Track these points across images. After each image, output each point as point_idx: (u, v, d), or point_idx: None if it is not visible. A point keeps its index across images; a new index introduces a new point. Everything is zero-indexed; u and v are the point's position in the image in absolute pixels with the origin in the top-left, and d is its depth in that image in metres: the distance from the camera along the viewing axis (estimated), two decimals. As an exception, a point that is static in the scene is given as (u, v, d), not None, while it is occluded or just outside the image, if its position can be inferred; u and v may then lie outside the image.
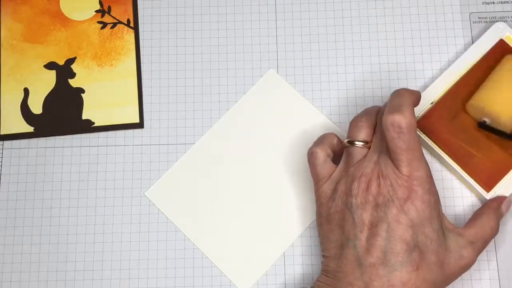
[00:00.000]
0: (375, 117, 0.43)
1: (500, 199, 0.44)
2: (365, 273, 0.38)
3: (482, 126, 0.46)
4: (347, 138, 0.43)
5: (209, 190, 0.48)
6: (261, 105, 0.49)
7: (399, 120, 0.38)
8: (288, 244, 0.46)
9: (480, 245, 0.41)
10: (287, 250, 0.46)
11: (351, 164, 0.41)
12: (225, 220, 0.47)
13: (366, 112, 0.44)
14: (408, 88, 0.45)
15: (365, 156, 0.42)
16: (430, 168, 0.47)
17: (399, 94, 0.41)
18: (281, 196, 0.47)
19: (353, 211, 0.39)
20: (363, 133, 0.42)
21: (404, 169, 0.39)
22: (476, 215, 0.43)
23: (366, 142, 0.42)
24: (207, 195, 0.48)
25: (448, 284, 0.40)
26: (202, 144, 0.49)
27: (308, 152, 0.44)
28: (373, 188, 0.39)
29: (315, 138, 0.46)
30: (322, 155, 0.43)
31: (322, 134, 0.46)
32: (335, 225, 0.40)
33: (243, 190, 0.48)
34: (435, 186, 0.40)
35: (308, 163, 0.44)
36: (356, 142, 0.42)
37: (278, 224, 0.47)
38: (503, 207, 0.44)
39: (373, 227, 0.38)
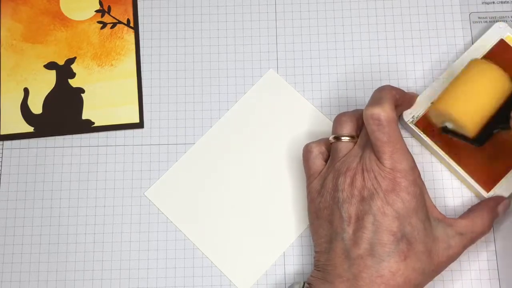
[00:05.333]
0: (359, 113, 0.44)
1: (498, 199, 0.44)
2: (354, 265, 0.38)
3: (445, 131, 0.46)
4: (332, 134, 0.44)
5: (209, 190, 0.48)
6: (261, 105, 0.49)
7: (378, 113, 0.39)
8: (288, 244, 0.46)
9: (469, 238, 0.41)
10: (287, 250, 0.46)
11: (338, 159, 0.42)
12: (225, 220, 0.47)
13: (350, 111, 0.45)
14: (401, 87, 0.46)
15: (350, 150, 0.42)
16: (431, 168, 0.47)
17: (380, 89, 0.42)
18: (281, 196, 0.47)
19: (340, 205, 0.40)
20: (346, 128, 0.43)
21: (387, 162, 0.39)
22: (471, 210, 0.44)
23: (351, 137, 0.43)
24: (207, 195, 0.48)
25: (437, 273, 0.41)
26: (202, 144, 0.49)
27: (303, 148, 0.45)
28: (358, 182, 0.40)
29: (315, 138, 0.46)
30: (315, 150, 0.44)
31: (322, 134, 0.46)
32: (324, 220, 0.41)
33: (243, 189, 0.48)
34: (420, 177, 0.41)
35: (302, 159, 0.45)
36: (341, 138, 0.43)
37: (278, 224, 0.47)
38: (500, 207, 0.44)
39: (360, 220, 0.39)
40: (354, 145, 0.43)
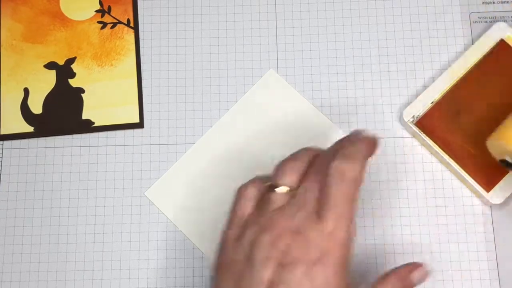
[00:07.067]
0: (307, 162, 0.38)
1: (412, 267, 0.38)
2: None
3: (505, 164, 0.42)
4: (270, 181, 0.38)
5: (209, 190, 0.48)
6: (261, 105, 0.49)
7: (349, 169, 0.35)
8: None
9: None
10: (287, 250, 0.46)
11: (267, 211, 0.36)
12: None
13: (298, 156, 0.39)
14: (368, 134, 0.39)
15: (284, 205, 0.36)
16: (431, 168, 0.47)
17: (355, 142, 0.38)
18: None
19: (254, 264, 0.34)
20: (289, 178, 0.37)
21: (329, 224, 0.34)
22: (379, 281, 0.38)
23: (290, 189, 0.37)
24: (207, 195, 0.48)
25: None
26: (202, 144, 0.49)
27: (238, 188, 0.39)
28: (282, 243, 0.34)
29: (315, 138, 0.46)
30: (249, 193, 0.38)
31: (321, 134, 0.45)
32: (231, 274, 0.36)
33: None
34: (351, 255, 0.35)
35: (233, 199, 0.39)
36: (278, 189, 0.37)
37: None
38: (415, 276, 0.37)
39: (273, 286, 0.34)
40: (291, 199, 0.37)
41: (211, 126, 0.49)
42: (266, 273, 0.34)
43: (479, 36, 0.49)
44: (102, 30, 0.52)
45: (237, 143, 0.49)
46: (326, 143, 0.48)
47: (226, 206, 0.48)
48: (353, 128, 0.48)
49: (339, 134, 0.48)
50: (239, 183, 0.47)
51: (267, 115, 0.49)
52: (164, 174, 0.48)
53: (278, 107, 0.49)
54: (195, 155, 0.49)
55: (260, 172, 0.47)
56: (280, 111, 0.49)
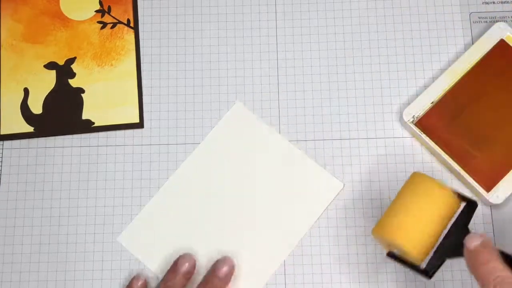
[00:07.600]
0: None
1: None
2: None
3: (392, 256, 0.41)
4: None
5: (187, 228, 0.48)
6: (229, 142, 0.48)
7: None
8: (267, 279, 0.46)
9: None
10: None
11: None
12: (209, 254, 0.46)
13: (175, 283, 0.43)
14: None
15: None
16: (431, 168, 0.47)
17: None
18: (264, 231, 0.46)
19: None
20: None
21: None
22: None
23: None
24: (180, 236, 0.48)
25: None
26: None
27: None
28: None
29: (288, 170, 0.46)
30: None
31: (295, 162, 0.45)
32: None
33: (226, 223, 0.47)
34: None
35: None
36: None
37: (258, 258, 0.46)
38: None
39: None
40: None
41: (211, 126, 0.49)
42: None
43: (479, 36, 0.49)
44: (102, 30, 0.52)
45: (204, 186, 0.48)
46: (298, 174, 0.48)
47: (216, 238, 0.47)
48: (353, 128, 0.49)
49: (315, 167, 0.48)
50: (227, 212, 0.46)
51: (238, 148, 0.48)
52: (135, 218, 0.47)
53: (247, 140, 0.48)
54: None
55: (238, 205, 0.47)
56: (250, 144, 0.48)
